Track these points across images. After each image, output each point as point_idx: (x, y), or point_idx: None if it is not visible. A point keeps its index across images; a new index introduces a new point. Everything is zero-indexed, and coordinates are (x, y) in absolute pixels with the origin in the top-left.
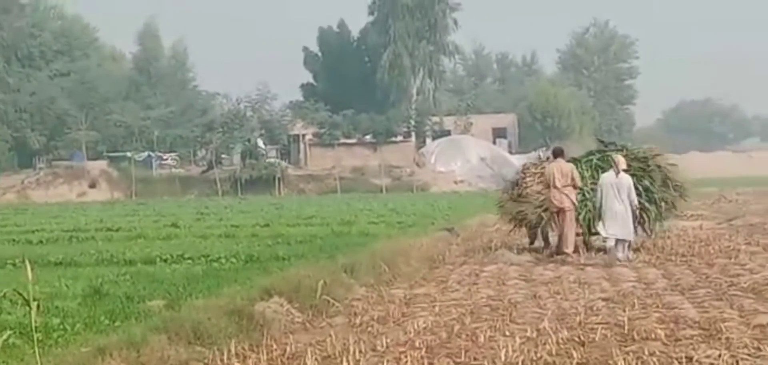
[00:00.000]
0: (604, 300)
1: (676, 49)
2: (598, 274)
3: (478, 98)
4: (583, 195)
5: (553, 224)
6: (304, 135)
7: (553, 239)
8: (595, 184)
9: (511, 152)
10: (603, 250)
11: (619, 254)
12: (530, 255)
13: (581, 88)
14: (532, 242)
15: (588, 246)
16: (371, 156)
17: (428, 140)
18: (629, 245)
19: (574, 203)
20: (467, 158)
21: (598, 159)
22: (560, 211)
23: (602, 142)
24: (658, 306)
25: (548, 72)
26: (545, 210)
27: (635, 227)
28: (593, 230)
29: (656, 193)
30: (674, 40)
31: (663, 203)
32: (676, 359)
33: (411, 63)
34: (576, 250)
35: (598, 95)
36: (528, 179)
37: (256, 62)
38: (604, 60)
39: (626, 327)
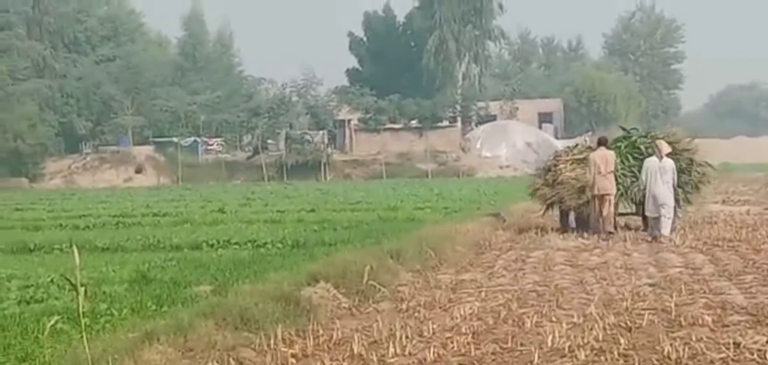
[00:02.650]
0: (650, 285)
1: (723, 33)
2: (645, 260)
3: (524, 83)
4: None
5: (593, 207)
6: (349, 120)
7: (570, 220)
8: (627, 167)
9: (556, 137)
10: (638, 228)
11: (665, 231)
12: (576, 241)
13: (627, 72)
14: (563, 225)
15: (627, 226)
16: (417, 141)
17: (474, 126)
18: (673, 225)
19: (614, 188)
20: (513, 143)
21: (626, 146)
22: (604, 196)
23: (624, 129)
24: (705, 292)
25: (594, 57)
26: (583, 194)
27: (677, 207)
28: (634, 211)
29: (682, 176)
30: (721, 24)
31: (688, 186)
32: (724, 345)
33: (456, 48)
34: (609, 232)
35: (645, 80)
36: (561, 165)
37: (302, 48)
38: (651, 45)
39: (673, 313)
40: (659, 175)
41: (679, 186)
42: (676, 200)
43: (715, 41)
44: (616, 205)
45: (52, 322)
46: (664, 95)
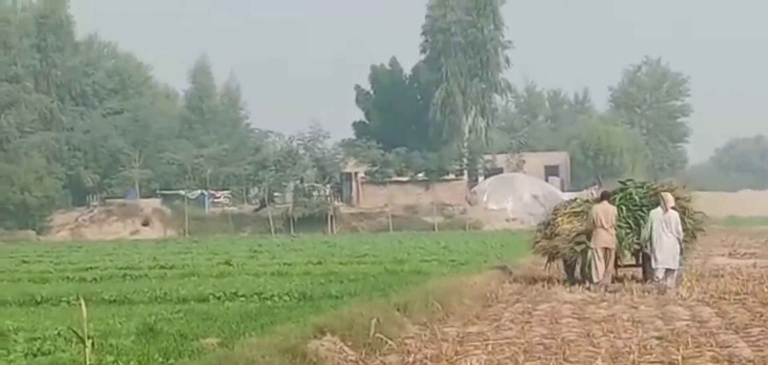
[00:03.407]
0: (657, 338)
1: (728, 86)
2: (652, 313)
3: (530, 136)
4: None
5: (594, 259)
6: (356, 173)
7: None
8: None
9: (563, 190)
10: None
11: (669, 283)
12: (583, 294)
13: (633, 126)
14: (569, 277)
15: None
16: (423, 194)
17: (480, 178)
18: (677, 276)
19: (614, 242)
20: (519, 196)
21: (621, 198)
22: (605, 249)
23: (622, 182)
24: (712, 345)
25: (600, 110)
26: (578, 245)
27: (681, 259)
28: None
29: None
30: (726, 78)
31: (685, 235)
32: None
33: (463, 101)
34: (607, 286)
35: (651, 133)
36: (559, 218)
37: (309, 101)
38: (657, 98)
39: None
40: (664, 226)
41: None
42: (681, 252)
43: (721, 95)
44: (616, 257)
45: None
46: (670, 148)
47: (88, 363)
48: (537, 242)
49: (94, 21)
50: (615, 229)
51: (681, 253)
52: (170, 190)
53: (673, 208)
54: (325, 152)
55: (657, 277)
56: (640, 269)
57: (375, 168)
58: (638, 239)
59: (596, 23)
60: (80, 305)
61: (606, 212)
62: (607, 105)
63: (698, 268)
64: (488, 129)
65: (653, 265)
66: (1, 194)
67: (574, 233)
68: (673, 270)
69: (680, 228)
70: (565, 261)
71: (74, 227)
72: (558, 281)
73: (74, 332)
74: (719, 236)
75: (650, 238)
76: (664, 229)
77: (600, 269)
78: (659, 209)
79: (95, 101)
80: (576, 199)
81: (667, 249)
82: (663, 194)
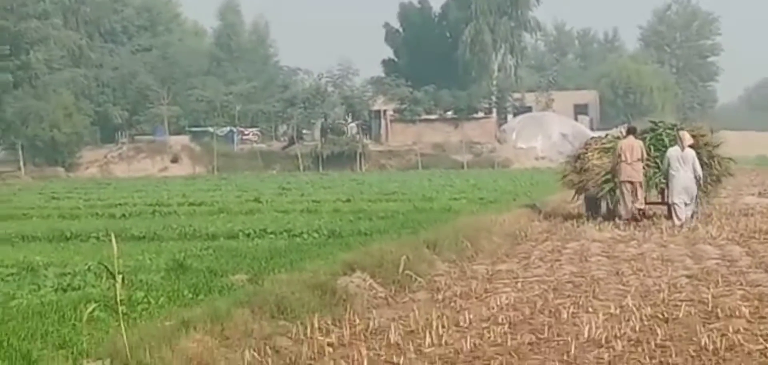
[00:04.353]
0: (687, 277)
1: (759, 25)
2: (681, 252)
3: (560, 75)
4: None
5: (620, 194)
6: (385, 111)
7: (603, 207)
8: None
9: (592, 129)
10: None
11: (682, 216)
12: (612, 232)
13: (663, 64)
14: (592, 213)
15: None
16: (452, 132)
17: (509, 117)
18: (694, 212)
19: (641, 176)
20: (548, 135)
21: (651, 138)
22: (630, 182)
23: (653, 122)
24: (741, 284)
25: (630, 49)
26: (606, 181)
27: (699, 196)
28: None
29: (703, 168)
30: (756, 17)
31: (709, 179)
32: (761, 336)
33: (492, 39)
34: (635, 218)
35: (681, 72)
36: (589, 153)
37: (338, 39)
38: (687, 37)
39: (710, 305)
40: (681, 163)
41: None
42: (699, 189)
43: (751, 34)
44: (644, 193)
45: (90, 310)
46: (699, 87)
47: (118, 298)
48: (566, 176)
49: None
50: (641, 164)
51: (699, 191)
52: (199, 127)
53: (690, 146)
54: (354, 90)
55: (677, 214)
56: (665, 207)
57: (404, 106)
58: (664, 178)
59: None
60: (111, 241)
61: (631, 147)
62: (636, 44)
63: (728, 207)
64: (517, 67)
65: (669, 201)
66: (31, 130)
67: (603, 169)
68: (689, 206)
69: (698, 167)
70: (589, 198)
71: (103, 164)
72: (587, 219)
73: (105, 267)
74: (749, 175)
75: (667, 175)
76: (681, 166)
77: (627, 203)
78: (676, 147)
79: (124, 37)
80: (607, 135)
81: (683, 187)
82: (680, 132)
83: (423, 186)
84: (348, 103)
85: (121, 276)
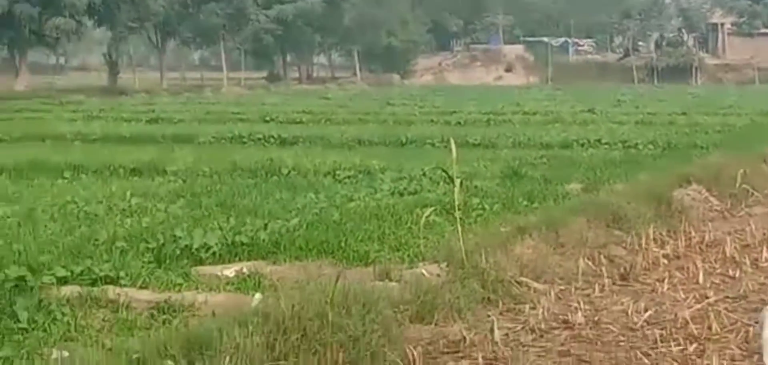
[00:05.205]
0: None
1: None
2: None
3: None
4: None
5: None
6: (722, 24)
7: None
8: None
9: None
10: None
11: None
12: None
13: None
14: None
15: None
16: None
17: None
18: None
19: None
20: None
21: None
22: None
23: None
24: None
25: None
26: None
27: None
28: None
29: None
30: None
31: None
32: None
33: None
34: None
35: None
36: None
37: None
38: None
39: None
40: None
41: None
42: None
43: None
44: None
45: (427, 214)
46: None
47: (457, 202)
48: None
49: None
50: None
51: None
52: (533, 37)
53: None
54: (691, 2)
55: None
56: None
57: (742, 19)
58: None
59: None
60: (450, 146)
61: None
62: None
63: None
64: None
65: None
66: (368, 37)
67: None
68: None
69: None
70: None
71: (437, 71)
72: None
73: (444, 171)
74: None
75: None
76: None
77: None
78: None
79: None
80: None
81: None
82: None
83: (761, 101)
84: (685, 15)
85: (459, 181)
